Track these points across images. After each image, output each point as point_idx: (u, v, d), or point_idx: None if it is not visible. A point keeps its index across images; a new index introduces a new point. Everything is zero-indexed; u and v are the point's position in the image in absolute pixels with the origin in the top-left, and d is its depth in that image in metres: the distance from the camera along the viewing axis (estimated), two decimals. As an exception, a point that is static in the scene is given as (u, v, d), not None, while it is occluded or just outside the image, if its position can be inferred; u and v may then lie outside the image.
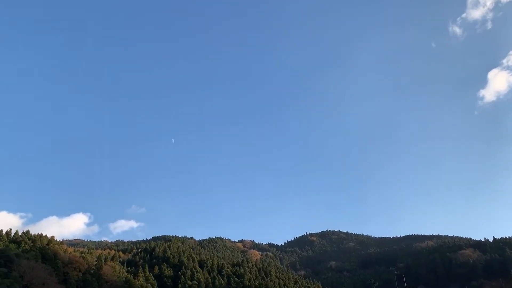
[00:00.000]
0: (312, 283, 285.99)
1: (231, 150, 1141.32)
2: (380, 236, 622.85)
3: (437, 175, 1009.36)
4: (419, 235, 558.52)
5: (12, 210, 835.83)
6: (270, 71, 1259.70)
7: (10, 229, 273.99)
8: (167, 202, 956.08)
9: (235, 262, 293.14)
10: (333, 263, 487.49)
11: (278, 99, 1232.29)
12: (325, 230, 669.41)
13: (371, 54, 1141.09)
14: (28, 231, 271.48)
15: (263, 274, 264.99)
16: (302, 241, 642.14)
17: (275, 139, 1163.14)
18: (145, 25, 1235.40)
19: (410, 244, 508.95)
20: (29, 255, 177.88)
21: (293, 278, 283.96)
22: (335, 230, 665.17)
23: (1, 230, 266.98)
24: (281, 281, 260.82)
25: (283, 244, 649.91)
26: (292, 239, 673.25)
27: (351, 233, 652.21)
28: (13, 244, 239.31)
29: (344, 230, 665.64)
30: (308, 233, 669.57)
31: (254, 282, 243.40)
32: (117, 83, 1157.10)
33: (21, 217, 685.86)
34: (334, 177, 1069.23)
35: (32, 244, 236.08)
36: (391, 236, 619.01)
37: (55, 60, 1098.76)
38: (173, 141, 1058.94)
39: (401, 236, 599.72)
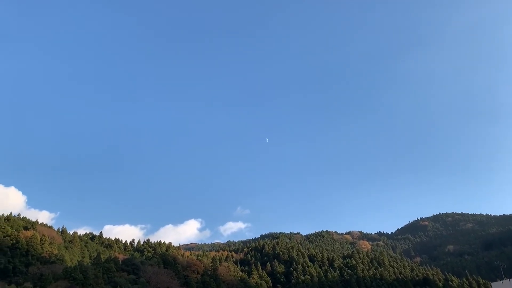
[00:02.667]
0: (430, 269, 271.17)
1: (324, 145, 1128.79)
2: (502, 214, 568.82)
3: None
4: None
5: (133, 222, 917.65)
6: (352, 62, 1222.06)
7: (133, 240, 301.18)
8: (269, 200, 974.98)
9: (345, 254, 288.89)
10: (450, 247, 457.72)
11: (368, 89, 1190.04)
12: (438, 213, 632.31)
13: (458, 27, 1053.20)
14: (148, 240, 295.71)
15: (376, 264, 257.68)
16: (414, 227, 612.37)
17: (372, 126, 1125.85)
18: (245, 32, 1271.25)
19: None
20: (152, 261, 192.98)
21: (408, 266, 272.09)
22: (449, 212, 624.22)
23: (126, 241, 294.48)
24: (396, 270, 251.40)
25: (393, 232, 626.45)
26: (403, 225, 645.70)
27: (467, 214, 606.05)
28: (138, 253, 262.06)
29: (458, 211, 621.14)
30: (419, 218, 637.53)
31: (368, 273, 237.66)
32: (210, 89, 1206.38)
33: (141, 228, 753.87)
34: (441, 157, 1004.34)
35: (153, 251, 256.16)
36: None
37: (178, 67, 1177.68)
38: (267, 140, 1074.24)
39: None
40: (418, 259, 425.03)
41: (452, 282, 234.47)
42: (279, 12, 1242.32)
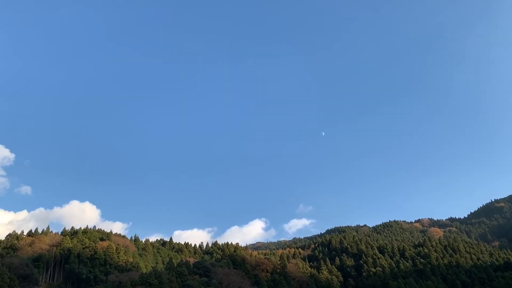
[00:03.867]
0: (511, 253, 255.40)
1: (382, 132, 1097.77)
2: None
3: None
4: None
5: (200, 226, 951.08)
6: (409, 43, 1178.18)
7: (202, 243, 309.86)
8: (331, 195, 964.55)
9: (416, 243, 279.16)
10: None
11: (429, 72, 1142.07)
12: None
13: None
14: (216, 242, 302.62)
15: (450, 251, 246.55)
16: (488, 210, 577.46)
17: (434, 107, 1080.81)
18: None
19: None
20: (221, 263, 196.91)
21: (486, 251, 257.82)
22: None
23: (195, 245, 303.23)
24: (473, 255, 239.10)
25: (466, 216, 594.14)
26: (476, 209, 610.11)
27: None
28: (207, 255, 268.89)
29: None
30: (493, 200, 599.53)
31: (443, 261, 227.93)
32: (264, 88, 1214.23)
33: (209, 232, 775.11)
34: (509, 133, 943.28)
35: (221, 253, 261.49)
36: None
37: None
38: (323, 133, 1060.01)
39: None
40: (497, 243, 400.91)
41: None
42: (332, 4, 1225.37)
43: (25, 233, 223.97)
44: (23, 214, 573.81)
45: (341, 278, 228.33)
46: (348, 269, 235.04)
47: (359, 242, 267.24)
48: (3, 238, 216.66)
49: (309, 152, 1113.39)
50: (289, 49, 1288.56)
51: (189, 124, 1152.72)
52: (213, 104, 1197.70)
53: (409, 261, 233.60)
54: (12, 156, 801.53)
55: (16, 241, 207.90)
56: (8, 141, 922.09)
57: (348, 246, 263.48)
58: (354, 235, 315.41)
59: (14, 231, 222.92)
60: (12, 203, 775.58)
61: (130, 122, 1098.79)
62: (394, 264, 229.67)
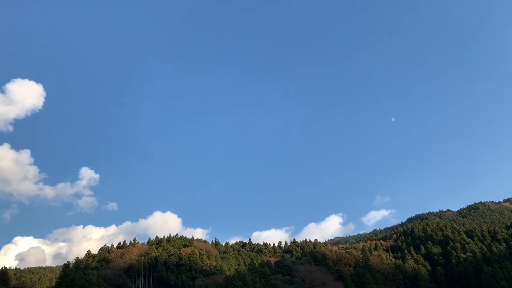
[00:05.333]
0: None
1: (459, 107, 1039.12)
2: None
3: None
4: None
5: (278, 226, 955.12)
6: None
7: (280, 242, 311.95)
8: (408, 182, 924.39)
9: (508, 224, 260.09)
10: None
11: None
12: None
13: None
14: (294, 240, 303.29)
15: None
16: None
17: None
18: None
19: None
20: (302, 260, 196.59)
21: None
22: None
23: (274, 244, 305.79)
24: None
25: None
26: None
27: None
28: (287, 254, 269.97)
29: None
30: None
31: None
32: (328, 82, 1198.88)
33: (286, 231, 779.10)
34: None
35: (301, 250, 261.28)
36: None
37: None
38: (393, 119, 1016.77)
39: None
40: None
41: None
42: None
43: (115, 246, 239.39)
44: (112, 228, 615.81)
45: (428, 267, 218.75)
46: (435, 257, 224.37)
47: (444, 228, 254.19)
48: (96, 252, 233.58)
49: (380, 141, 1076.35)
50: (349, 36, 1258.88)
51: (262, 124, 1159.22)
52: (276, 103, 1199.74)
53: (503, 243, 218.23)
54: (97, 176, 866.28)
55: (108, 254, 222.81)
56: (93, 163, 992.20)
57: (433, 233, 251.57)
58: (437, 221, 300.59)
59: (105, 245, 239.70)
60: (102, 220, 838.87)
61: (198, 127, 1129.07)
62: (485, 248, 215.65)
